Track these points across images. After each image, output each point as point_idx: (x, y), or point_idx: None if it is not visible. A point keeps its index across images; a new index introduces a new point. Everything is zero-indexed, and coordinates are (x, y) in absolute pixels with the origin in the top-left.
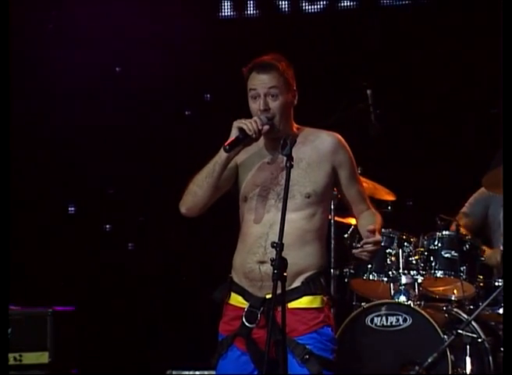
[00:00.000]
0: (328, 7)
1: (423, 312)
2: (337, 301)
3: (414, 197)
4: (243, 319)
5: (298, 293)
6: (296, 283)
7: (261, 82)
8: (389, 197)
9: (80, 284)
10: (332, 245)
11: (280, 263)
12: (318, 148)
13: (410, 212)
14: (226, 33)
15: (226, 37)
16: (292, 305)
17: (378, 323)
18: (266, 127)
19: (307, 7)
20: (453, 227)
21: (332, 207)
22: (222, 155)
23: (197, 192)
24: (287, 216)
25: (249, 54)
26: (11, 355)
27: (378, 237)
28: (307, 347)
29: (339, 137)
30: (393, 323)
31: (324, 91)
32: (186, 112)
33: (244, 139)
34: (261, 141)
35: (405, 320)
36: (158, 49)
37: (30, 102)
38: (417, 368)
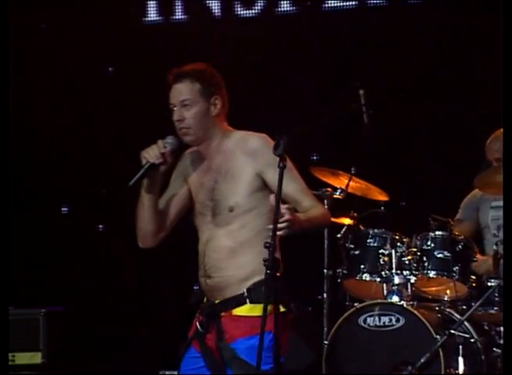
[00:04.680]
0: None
1: (416, 312)
2: (330, 301)
3: (407, 197)
4: (197, 324)
5: (240, 300)
6: (240, 291)
7: (174, 93)
8: (382, 197)
9: (73, 285)
10: (325, 245)
11: (272, 263)
12: (241, 156)
13: (403, 213)
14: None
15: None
16: (234, 312)
17: (371, 323)
18: (169, 149)
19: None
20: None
21: (325, 207)
22: (141, 190)
23: (141, 227)
24: (220, 231)
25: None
26: None
27: (288, 216)
28: (235, 351)
29: (264, 138)
30: (386, 323)
31: (316, 92)
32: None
33: (150, 168)
34: (200, 153)
35: (398, 320)
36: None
37: (24, 102)
38: (409, 368)
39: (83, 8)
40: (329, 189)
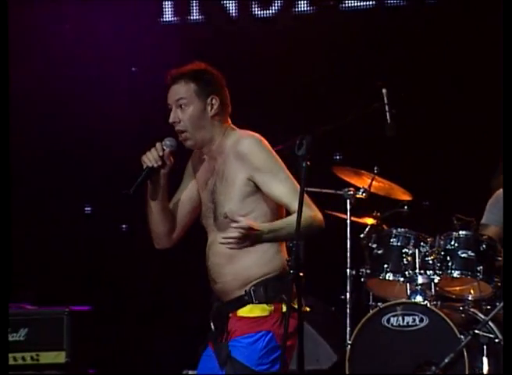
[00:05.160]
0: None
1: (439, 312)
2: (354, 301)
3: (431, 197)
4: (211, 324)
5: (240, 302)
6: (241, 293)
7: (170, 94)
8: (406, 197)
9: (96, 284)
10: (348, 245)
11: (296, 263)
12: (233, 160)
13: (427, 212)
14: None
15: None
16: (239, 313)
17: (395, 323)
18: (168, 151)
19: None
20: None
21: (348, 207)
22: (147, 196)
23: (153, 229)
24: (218, 236)
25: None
26: (28, 355)
27: (242, 224)
28: (230, 351)
29: (253, 140)
30: (410, 323)
31: (339, 91)
32: None
33: (150, 171)
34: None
35: (421, 320)
36: None
37: (49, 101)
38: (433, 368)
39: (106, 8)
40: (352, 189)
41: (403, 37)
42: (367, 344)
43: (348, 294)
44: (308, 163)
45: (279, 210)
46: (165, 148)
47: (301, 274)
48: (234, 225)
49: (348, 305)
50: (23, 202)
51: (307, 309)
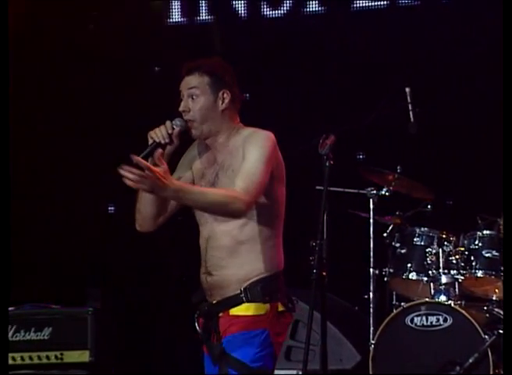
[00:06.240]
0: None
1: (464, 311)
2: (377, 300)
3: (455, 196)
4: (197, 326)
5: (236, 300)
6: (236, 291)
7: (184, 83)
8: (429, 196)
9: (120, 283)
10: (371, 245)
11: (319, 263)
12: (239, 152)
13: (450, 211)
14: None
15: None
16: (231, 312)
17: (418, 323)
18: (177, 130)
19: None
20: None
21: (371, 206)
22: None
23: (140, 209)
24: (219, 228)
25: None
26: (52, 354)
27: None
28: (225, 347)
29: (267, 134)
30: (433, 323)
31: (362, 90)
32: None
33: (156, 147)
34: (206, 146)
35: (445, 320)
36: None
37: (73, 101)
38: (457, 368)
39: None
40: (375, 188)
41: (416, 36)
42: (390, 344)
43: (371, 294)
44: (331, 162)
45: (281, 205)
46: (174, 127)
47: (324, 274)
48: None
49: (371, 305)
50: (48, 203)
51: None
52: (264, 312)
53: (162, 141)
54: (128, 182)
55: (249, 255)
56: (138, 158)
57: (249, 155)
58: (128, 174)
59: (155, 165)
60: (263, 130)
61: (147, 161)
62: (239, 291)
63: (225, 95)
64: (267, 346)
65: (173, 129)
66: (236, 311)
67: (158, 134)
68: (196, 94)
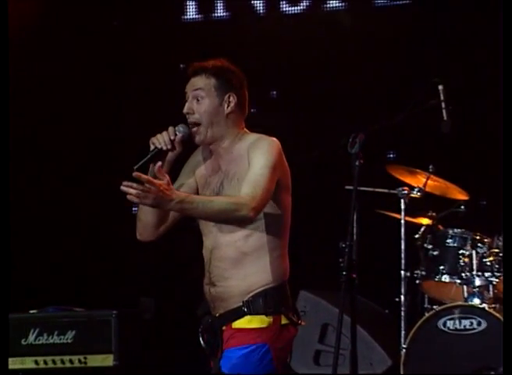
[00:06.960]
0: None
1: (498, 315)
2: (408, 303)
3: (488, 196)
4: (201, 340)
5: (238, 313)
6: (239, 303)
7: (189, 85)
8: (462, 196)
9: (144, 286)
10: (403, 246)
11: (348, 265)
12: (244, 160)
13: (484, 212)
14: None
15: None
16: (234, 325)
17: (451, 327)
18: (180, 136)
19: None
20: None
21: (403, 207)
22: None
23: (141, 218)
24: (224, 239)
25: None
26: (75, 358)
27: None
28: (221, 365)
29: (272, 141)
30: (467, 327)
31: (394, 88)
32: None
33: (157, 154)
34: (210, 152)
35: (479, 324)
36: None
37: (94, 99)
38: (492, 373)
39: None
40: (406, 188)
41: (438, 32)
42: (422, 348)
43: (403, 297)
44: (361, 162)
45: (287, 214)
46: (177, 133)
47: (354, 276)
48: (144, 178)
49: (403, 308)
50: (73, 203)
51: (303, 323)
52: (267, 325)
53: (164, 147)
54: (131, 198)
55: (253, 266)
56: (138, 174)
57: (255, 162)
58: (129, 190)
59: (156, 177)
60: (268, 136)
61: (148, 167)
62: (241, 304)
63: (231, 99)
64: (266, 364)
65: (176, 135)
66: (238, 324)
67: (160, 140)
68: (201, 96)
